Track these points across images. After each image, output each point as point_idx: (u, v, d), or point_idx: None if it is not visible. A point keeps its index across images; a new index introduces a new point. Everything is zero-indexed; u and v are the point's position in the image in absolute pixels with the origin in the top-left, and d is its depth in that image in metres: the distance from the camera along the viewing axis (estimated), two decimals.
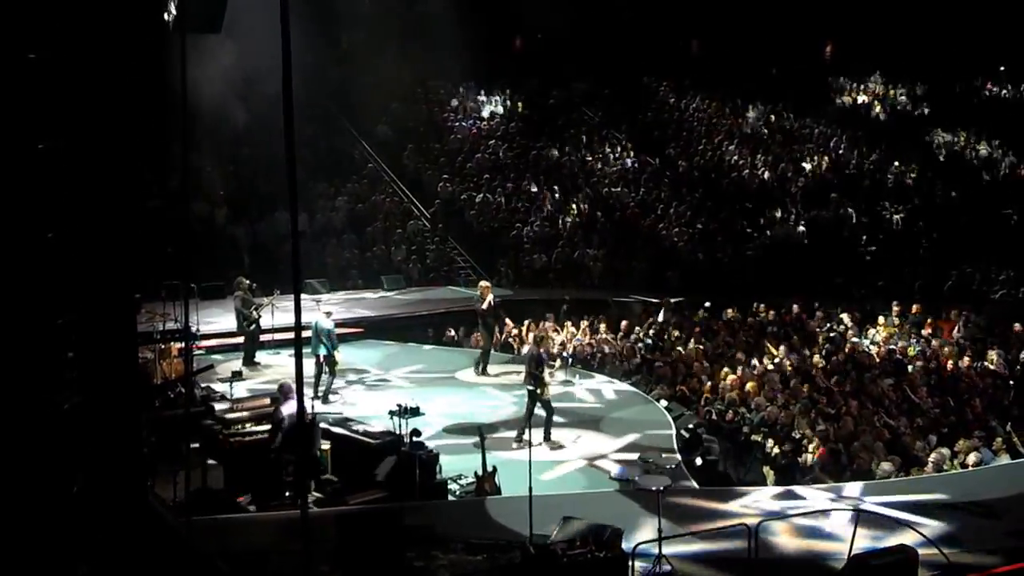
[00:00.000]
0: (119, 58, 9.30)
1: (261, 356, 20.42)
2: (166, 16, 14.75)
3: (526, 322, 22.92)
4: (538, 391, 15.92)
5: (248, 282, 20.69)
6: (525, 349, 19.49)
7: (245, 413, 14.20)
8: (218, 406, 14.66)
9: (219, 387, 16.78)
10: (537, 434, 15.41)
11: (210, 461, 13.01)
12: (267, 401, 14.46)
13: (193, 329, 16.67)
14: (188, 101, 10.57)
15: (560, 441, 16.05)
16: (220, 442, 13.47)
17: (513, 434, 15.93)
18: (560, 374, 19.53)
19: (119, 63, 9.31)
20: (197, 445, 12.79)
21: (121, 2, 9.46)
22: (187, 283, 13.67)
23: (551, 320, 23.35)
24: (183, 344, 16.19)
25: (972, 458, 15.08)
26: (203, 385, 16.75)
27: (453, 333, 23.61)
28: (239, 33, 20.36)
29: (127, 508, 9.40)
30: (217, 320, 21.55)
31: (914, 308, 23.60)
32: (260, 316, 19.99)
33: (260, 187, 30.03)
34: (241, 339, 20.41)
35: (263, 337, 20.40)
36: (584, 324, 23.05)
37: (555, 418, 16.37)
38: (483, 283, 21.18)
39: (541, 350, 16.78)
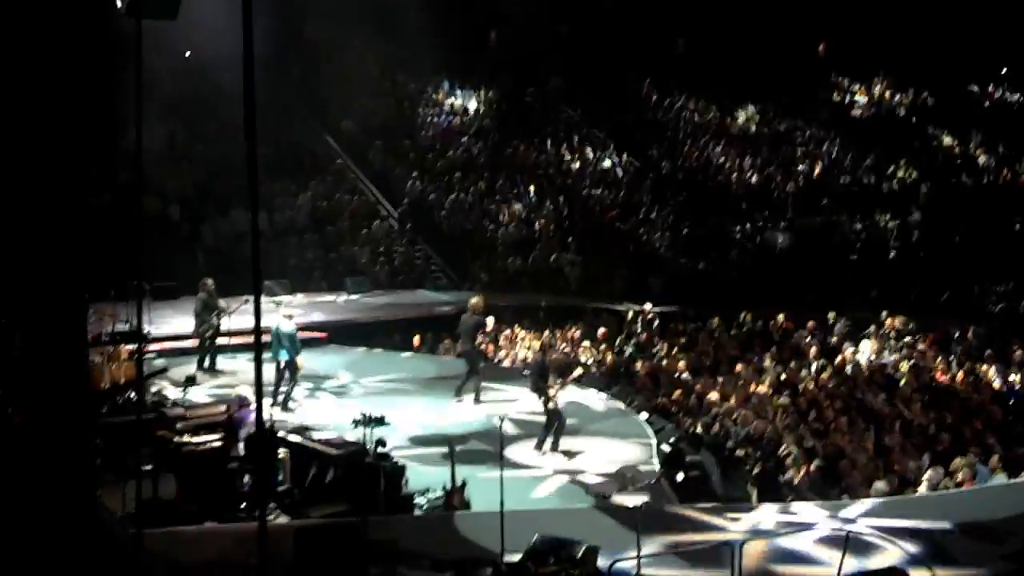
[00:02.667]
0: (64, 45, 9.27)
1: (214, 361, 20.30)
2: (118, 2, 14.70)
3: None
4: (543, 400, 16.08)
5: (212, 284, 20.50)
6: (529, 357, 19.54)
7: (199, 420, 14.15)
8: (171, 412, 14.60)
9: (172, 393, 16.71)
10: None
11: (162, 470, 12.99)
12: (223, 408, 14.44)
13: (145, 331, 16.59)
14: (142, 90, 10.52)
15: (545, 453, 16.11)
16: (172, 450, 13.40)
17: (485, 447, 15.97)
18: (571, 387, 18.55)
19: (64, 50, 9.28)
20: (148, 453, 12.74)
21: None
22: (139, 283, 13.59)
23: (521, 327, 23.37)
24: (134, 347, 16.12)
25: (967, 476, 15.17)
26: (155, 390, 16.67)
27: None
28: (196, 19, 20.31)
29: (75, 519, 9.36)
30: (170, 322, 21.45)
31: (908, 321, 23.76)
32: (220, 323, 19.79)
33: (216, 183, 29.94)
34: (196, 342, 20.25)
35: (220, 341, 20.23)
36: (561, 332, 23.15)
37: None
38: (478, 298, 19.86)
39: (546, 359, 17.00)
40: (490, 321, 19.59)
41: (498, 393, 19.36)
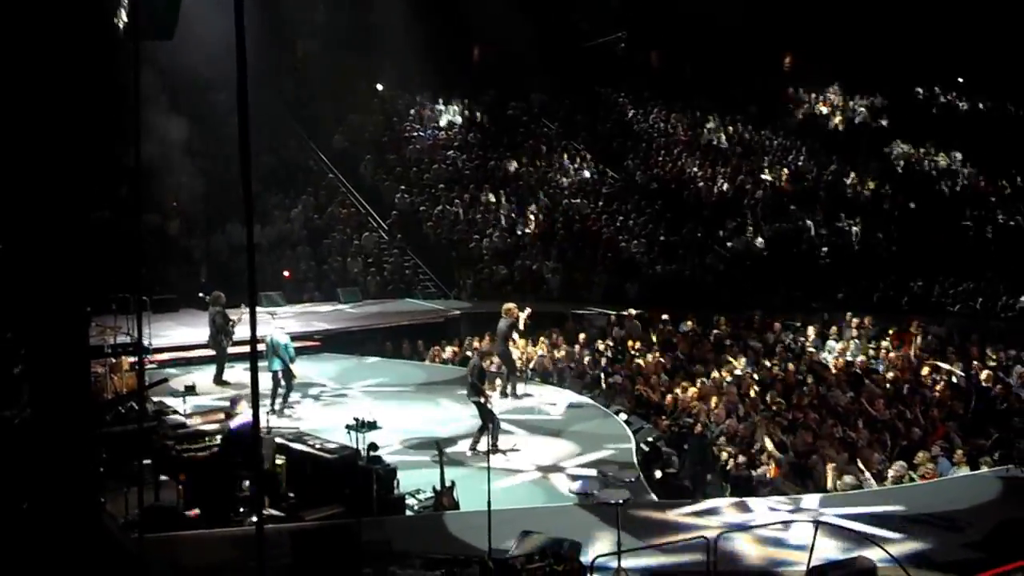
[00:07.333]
0: (65, 63, 9.22)
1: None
2: (118, 22, 14.67)
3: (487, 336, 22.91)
4: (482, 400, 16.04)
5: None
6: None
7: (198, 428, 14.12)
8: (171, 421, 14.56)
9: (172, 402, 16.65)
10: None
11: (162, 477, 12.96)
12: (221, 415, 14.40)
13: (145, 343, 16.55)
14: (140, 108, 10.50)
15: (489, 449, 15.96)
16: (173, 458, 13.36)
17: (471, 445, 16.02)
18: (499, 388, 19.36)
19: (65, 68, 9.23)
20: (149, 461, 12.70)
21: (67, 7, 9.39)
22: (139, 296, 13.54)
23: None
24: (135, 358, 16.08)
25: (931, 469, 15.23)
26: (156, 400, 16.61)
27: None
28: (191, 39, 20.24)
29: (78, 526, 9.31)
30: (169, 333, 21.36)
31: (870, 320, 23.89)
32: (233, 335, 19.68)
33: (213, 198, 29.81)
34: (212, 353, 20.01)
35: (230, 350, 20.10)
36: (543, 337, 23.15)
37: (509, 429, 16.69)
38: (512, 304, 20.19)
39: (484, 363, 17.25)
40: (523, 317, 19.53)
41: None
